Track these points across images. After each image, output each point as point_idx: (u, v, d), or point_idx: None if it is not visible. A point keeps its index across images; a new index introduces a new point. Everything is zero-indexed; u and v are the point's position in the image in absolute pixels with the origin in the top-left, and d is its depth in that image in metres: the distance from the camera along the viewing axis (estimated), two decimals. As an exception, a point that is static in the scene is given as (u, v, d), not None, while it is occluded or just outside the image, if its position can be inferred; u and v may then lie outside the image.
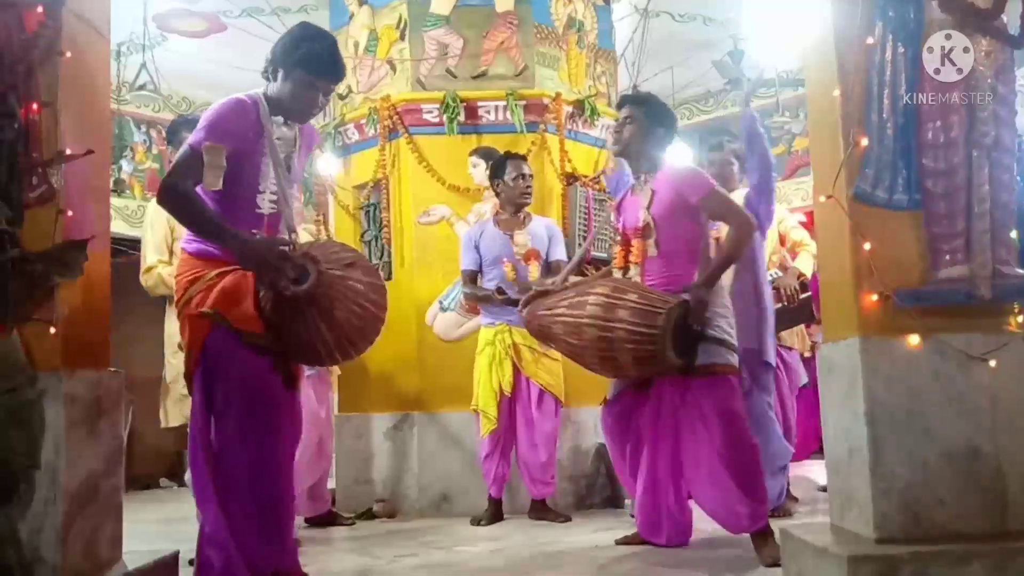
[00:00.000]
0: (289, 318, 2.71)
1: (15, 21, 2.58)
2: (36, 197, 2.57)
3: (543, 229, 4.84)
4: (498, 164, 4.82)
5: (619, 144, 3.72)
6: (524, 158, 4.90)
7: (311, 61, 2.84)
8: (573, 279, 3.93)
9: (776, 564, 3.19)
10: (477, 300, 4.79)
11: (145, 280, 3.91)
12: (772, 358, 4.36)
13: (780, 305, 4.65)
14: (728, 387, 3.49)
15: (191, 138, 2.77)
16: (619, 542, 3.88)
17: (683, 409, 3.52)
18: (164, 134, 8.41)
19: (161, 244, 3.91)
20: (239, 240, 2.71)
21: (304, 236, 4.29)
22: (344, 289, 2.73)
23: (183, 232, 3.88)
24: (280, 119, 2.90)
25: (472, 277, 4.80)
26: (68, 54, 2.65)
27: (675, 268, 3.54)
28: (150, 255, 3.90)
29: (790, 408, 4.93)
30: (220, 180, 2.72)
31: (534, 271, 4.68)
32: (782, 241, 4.97)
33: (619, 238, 3.75)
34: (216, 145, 2.73)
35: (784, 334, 4.88)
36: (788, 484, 4.58)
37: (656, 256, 3.55)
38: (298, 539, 3.93)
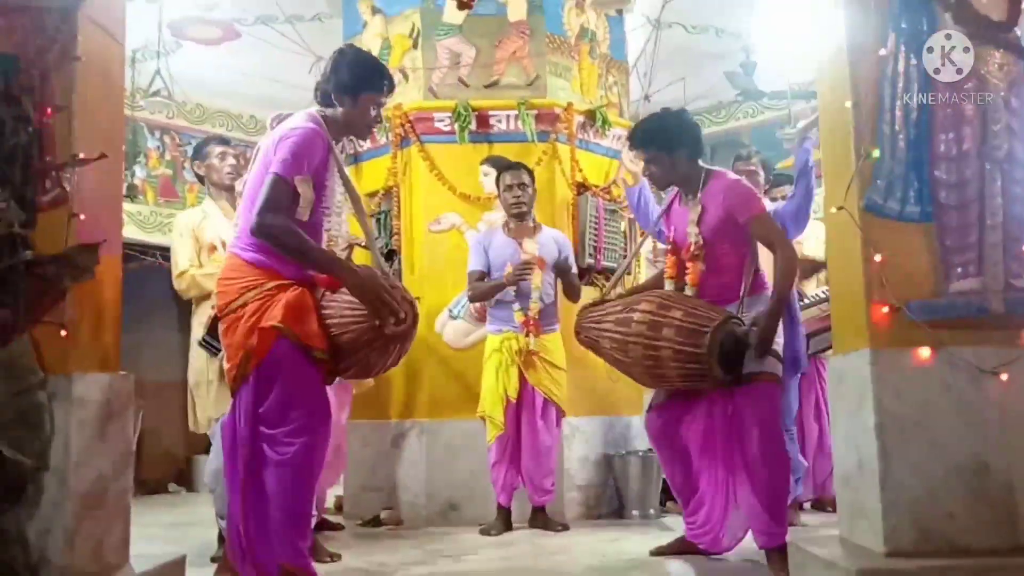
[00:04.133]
0: (368, 345, 2.85)
1: (31, 25, 2.60)
2: (49, 200, 2.58)
3: (552, 240, 4.85)
4: (497, 175, 4.92)
5: (656, 184, 3.83)
6: (520, 168, 4.86)
7: (375, 80, 3.01)
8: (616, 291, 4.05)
9: None
10: (485, 296, 4.79)
11: (179, 283, 4.04)
12: (805, 364, 4.53)
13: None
14: (769, 395, 3.45)
15: (277, 167, 2.80)
16: (656, 552, 3.83)
17: (732, 418, 3.49)
18: (178, 141, 8.51)
19: (191, 251, 4.05)
20: (353, 273, 2.83)
21: None
22: (415, 327, 2.95)
23: (209, 240, 3.97)
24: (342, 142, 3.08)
25: (480, 279, 4.80)
26: (83, 58, 2.67)
27: (724, 280, 3.57)
28: (182, 261, 4.03)
29: (826, 418, 4.93)
30: (309, 211, 2.87)
31: (536, 279, 4.68)
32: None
33: (669, 246, 3.76)
34: (307, 177, 2.84)
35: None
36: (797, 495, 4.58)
37: (705, 271, 3.59)
38: (338, 554, 3.97)
